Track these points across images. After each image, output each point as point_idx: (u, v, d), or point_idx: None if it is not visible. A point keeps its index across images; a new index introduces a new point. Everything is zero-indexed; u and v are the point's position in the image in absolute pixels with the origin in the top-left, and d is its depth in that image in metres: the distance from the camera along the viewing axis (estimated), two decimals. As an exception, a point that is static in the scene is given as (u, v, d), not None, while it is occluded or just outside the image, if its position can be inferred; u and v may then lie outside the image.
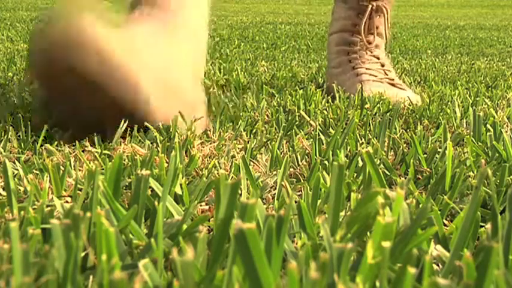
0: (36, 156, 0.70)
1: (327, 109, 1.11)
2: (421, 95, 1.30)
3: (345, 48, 1.43)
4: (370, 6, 1.39)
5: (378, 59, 1.40)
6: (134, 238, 0.45)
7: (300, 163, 0.72)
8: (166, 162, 0.67)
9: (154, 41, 0.86)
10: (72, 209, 0.39)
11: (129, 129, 0.81)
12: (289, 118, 0.98)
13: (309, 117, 1.01)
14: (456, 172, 0.61)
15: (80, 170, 0.67)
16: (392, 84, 1.32)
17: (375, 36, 1.41)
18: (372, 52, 1.41)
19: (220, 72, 1.66)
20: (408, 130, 0.98)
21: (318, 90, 1.26)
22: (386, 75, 1.37)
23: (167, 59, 0.86)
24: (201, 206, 0.57)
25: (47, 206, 0.51)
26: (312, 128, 0.94)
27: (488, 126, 0.88)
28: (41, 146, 0.76)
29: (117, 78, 0.75)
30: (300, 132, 0.91)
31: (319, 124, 0.95)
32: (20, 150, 0.76)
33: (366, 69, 1.38)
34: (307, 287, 0.31)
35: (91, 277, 0.40)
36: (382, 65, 1.40)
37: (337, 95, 1.21)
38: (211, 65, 1.83)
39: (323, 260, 0.32)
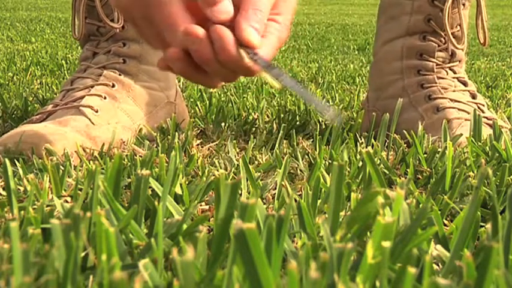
0: (36, 156, 0.70)
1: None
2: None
3: (413, 63, 0.90)
4: None
5: (465, 85, 0.90)
6: (134, 238, 0.45)
7: (300, 163, 0.72)
8: (166, 162, 0.67)
9: None
10: (72, 209, 0.39)
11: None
12: (290, 118, 0.98)
13: (310, 118, 1.01)
14: (456, 172, 0.61)
15: (80, 170, 0.67)
16: (490, 126, 0.84)
17: (460, 42, 0.90)
18: (455, 72, 0.90)
19: (220, 72, 1.66)
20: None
21: (318, 90, 1.26)
22: (482, 112, 0.87)
23: None
24: (201, 206, 0.57)
25: (47, 206, 0.51)
26: (313, 128, 0.93)
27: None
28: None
29: None
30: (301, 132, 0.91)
31: (319, 124, 0.95)
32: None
33: (451, 100, 0.86)
34: (307, 287, 0.31)
35: (91, 277, 0.40)
36: (473, 97, 0.90)
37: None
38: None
39: (323, 260, 0.32)
